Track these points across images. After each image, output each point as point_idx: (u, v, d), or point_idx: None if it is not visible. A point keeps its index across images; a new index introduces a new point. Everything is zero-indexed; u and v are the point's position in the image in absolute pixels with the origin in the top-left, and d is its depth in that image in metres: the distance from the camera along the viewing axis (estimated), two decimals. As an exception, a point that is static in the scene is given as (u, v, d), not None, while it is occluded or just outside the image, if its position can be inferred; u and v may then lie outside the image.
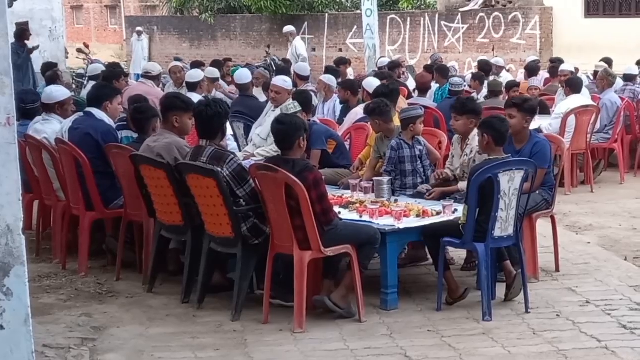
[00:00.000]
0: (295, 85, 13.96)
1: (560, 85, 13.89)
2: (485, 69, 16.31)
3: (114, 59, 26.20)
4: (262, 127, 10.39)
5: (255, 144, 10.42)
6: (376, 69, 17.33)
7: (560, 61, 16.54)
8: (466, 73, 19.80)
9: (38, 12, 19.63)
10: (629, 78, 14.60)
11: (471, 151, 8.17)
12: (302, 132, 7.17)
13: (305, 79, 14.46)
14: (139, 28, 29.69)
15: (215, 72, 14.13)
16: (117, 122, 9.20)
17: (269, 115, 10.41)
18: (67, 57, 25.79)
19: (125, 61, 32.02)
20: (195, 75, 12.76)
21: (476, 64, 19.39)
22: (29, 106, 9.73)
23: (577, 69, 15.07)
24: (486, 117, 8.05)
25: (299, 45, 21.82)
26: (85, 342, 6.70)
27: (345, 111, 12.03)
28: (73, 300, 7.77)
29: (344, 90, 12.30)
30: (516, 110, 8.11)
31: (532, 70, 16.82)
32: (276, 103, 10.38)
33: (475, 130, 8.00)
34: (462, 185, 7.93)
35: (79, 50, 27.72)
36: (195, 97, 10.80)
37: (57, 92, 9.69)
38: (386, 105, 8.90)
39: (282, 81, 10.71)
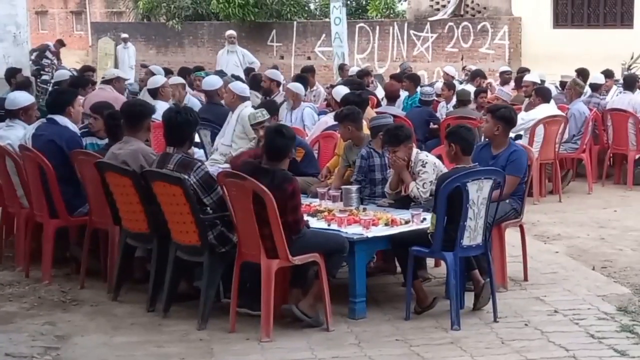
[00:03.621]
0: (270, 92, 14.04)
1: (525, 96, 13.92)
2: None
3: (79, 65, 25.98)
4: (225, 135, 10.49)
5: (221, 152, 10.43)
6: (341, 78, 17.39)
7: (526, 71, 16.62)
8: (436, 82, 19.83)
9: (1, 17, 19.37)
10: (594, 88, 14.66)
11: (421, 172, 7.98)
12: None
13: (279, 84, 14.48)
14: (124, 35, 29.43)
15: (180, 79, 14.03)
16: (80, 128, 9.12)
17: (229, 122, 10.51)
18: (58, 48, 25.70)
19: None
20: (155, 81, 12.68)
21: (444, 72, 19.43)
22: None
23: (542, 81, 15.10)
24: (453, 126, 8.09)
25: (247, 53, 21.68)
26: (48, 351, 6.64)
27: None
28: (36, 309, 7.69)
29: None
30: (490, 116, 8.31)
31: (504, 81, 17.04)
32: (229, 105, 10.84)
33: (415, 152, 8.07)
34: (412, 184, 7.93)
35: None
36: (159, 104, 10.77)
37: (21, 98, 9.60)
38: (359, 112, 8.94)
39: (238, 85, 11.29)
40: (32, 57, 24.84)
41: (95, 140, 9.06)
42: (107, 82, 12.71)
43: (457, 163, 7.42)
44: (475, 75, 16.87)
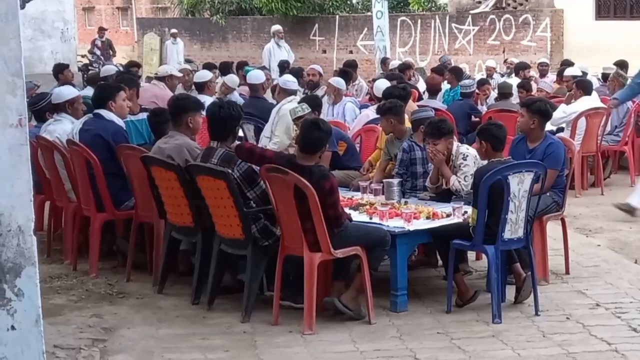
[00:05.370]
0: (317, 84, 14.22)
1: (567, 89, 13.87)
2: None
3: (125, 61, 26.28)
4: (265, 127, 10.73)
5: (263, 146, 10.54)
6: (382, 72, 17.46)
7: (569, 64, 16.54)
8: (476, 75, 19.80)
9: (50, 13, 19.66)
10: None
11: (463, 165, 8.06)
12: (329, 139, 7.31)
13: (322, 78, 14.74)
14: (173, 30, 29.55)
15: (236, 80, 14.18)
16: None
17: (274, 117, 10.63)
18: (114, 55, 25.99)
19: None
20: (202, 75, 12.81)
21: (486, 65, 19.43)
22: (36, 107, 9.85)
23: (584, 73, 15.03)
24: (483, 124, 8.05)
25: (289, 48, 22.02)
26: (95, 342, 6.72)
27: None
28: (84, 301, 7.79)
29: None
30: (525, 110, 8.25)
31: (541, 73, 17.02)
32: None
33: (456, 145, 8.10)
34: (453, 178, 7.98)
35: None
36: (204, 98, 10.89)
37: (65, 91, 9.74)
38: (401, 106, 8.96)
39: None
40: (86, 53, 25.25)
41: (129, 117, 9.13)
42: (160, 78, 12.89)
43: (490, 159, 7.45)
44: (519, 69, 16.84)
